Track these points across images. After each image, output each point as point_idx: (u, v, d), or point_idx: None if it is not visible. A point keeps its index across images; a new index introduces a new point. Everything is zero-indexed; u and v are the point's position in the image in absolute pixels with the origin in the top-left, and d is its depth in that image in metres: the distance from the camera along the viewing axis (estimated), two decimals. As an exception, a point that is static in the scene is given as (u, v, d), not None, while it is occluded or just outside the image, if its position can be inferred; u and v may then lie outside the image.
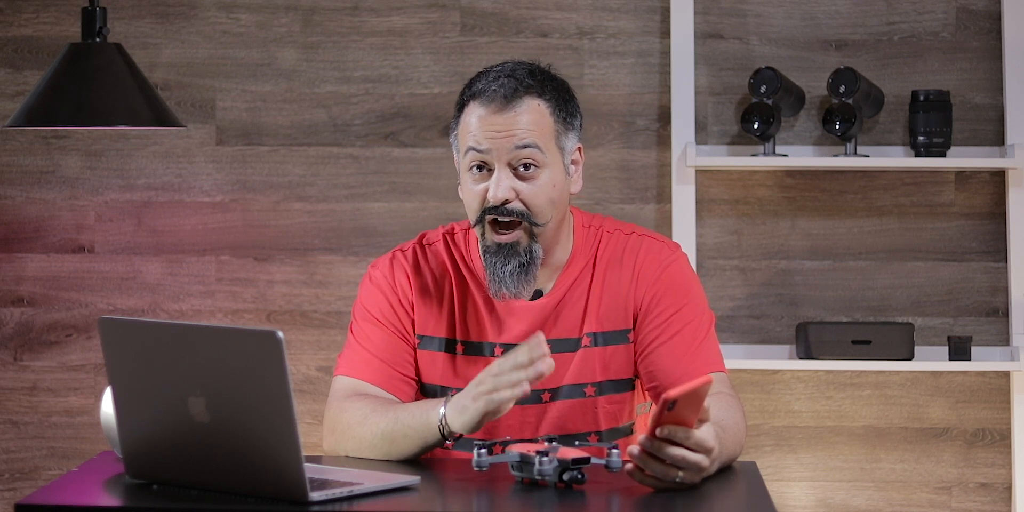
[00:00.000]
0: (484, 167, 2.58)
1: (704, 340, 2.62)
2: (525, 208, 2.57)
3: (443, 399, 2.45)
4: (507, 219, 2.57)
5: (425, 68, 3.78)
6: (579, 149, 2.66)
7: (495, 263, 2.59)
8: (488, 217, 2.58)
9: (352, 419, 2.54)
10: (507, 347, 2.64)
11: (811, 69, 3.72)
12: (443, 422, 2.42)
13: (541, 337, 2.34)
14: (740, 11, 3.73)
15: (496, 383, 2.35)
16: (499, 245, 2.59)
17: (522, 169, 2.57)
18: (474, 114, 2.58)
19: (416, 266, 2.70)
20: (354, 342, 2.67)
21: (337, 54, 3.79)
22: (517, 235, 2.58)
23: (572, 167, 2.64)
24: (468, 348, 2.66)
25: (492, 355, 2.64)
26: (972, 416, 3.73)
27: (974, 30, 3.71)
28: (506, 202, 2.56)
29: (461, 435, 2.43)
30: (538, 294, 2.66)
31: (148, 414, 2.22)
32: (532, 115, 2.57)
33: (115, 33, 3.72)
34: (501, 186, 2.56)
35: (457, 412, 2.40)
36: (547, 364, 2.33)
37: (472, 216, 2.61)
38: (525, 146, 2.56)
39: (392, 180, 3.79)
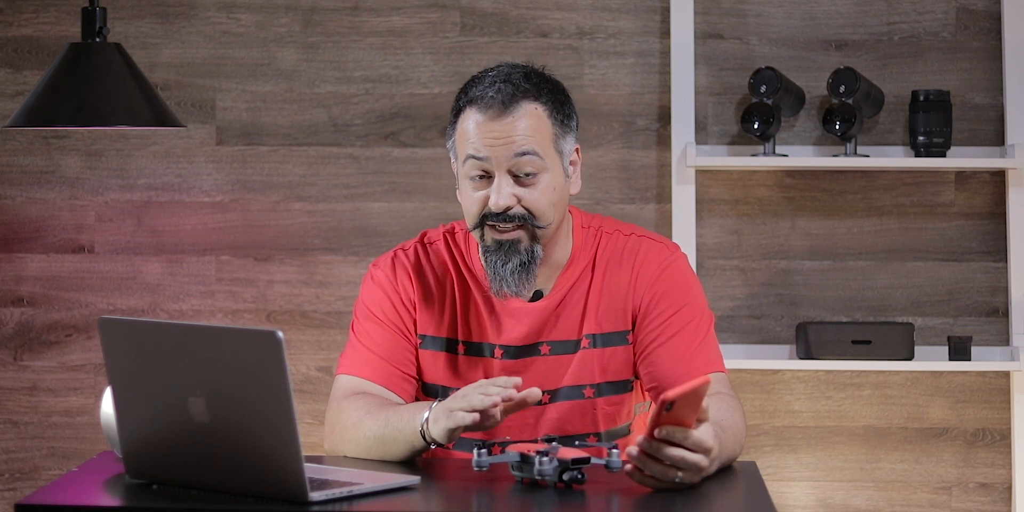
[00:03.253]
0: (484, 175, 2.57)
1: (704, 340, 2.62)
2: (527, 212, 2.57)
3: (430, 404, 2.45)
4: (508, 225, 2.57)
5: (425, 68, 3.78)
6: (577, 150, 2.65)
7: (496, 262, 2.59)
8: (488, 222, 2.58)
9: (349, 420, 2.54)
10: (507, 348, 2.64)
11: (811, 69, 3.72)
12: (424, 427, 2.42)
13: (518, 380, 2.35)
14: (740, 11, 3.73)
15: (469, 402, 2.34)
16: (499, 243, 2.58)
17: (522, 175, 2.56)
18: (471, 120, 2.57)
19: (418, 265, 2.70)
20: (355, 341, 2.67)
21: (337, 54, 3.79)
22: (518, 234, 2.58)
23: (571, 168, 2.63)
24: (469, 348, 2.66)
25: (492, 356, 2.64)
26: (972, 416, 3.73)
27: (974, 30, 3.71)
28: (508, 209, 2.56)
29: (445, 445, 2.42)
30: (538, 295, 2.66)
31: (148, 414, 2.22)
32: (530, 120, 2.56)
33: (115, 33, 3.72)
34: (502, 194, 2.55)
35: (435, 420, 2.40)
36: (532, 394, 2.34)
37: (471, 221, 2.60)
38: (524, 154, 2.55)
39: (392, 180, 3.79)
